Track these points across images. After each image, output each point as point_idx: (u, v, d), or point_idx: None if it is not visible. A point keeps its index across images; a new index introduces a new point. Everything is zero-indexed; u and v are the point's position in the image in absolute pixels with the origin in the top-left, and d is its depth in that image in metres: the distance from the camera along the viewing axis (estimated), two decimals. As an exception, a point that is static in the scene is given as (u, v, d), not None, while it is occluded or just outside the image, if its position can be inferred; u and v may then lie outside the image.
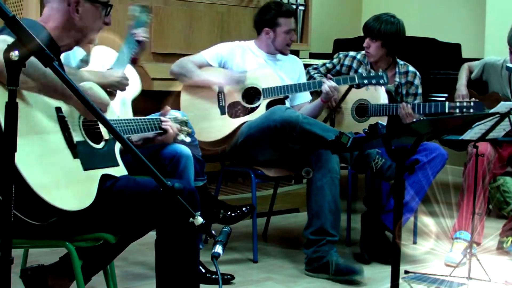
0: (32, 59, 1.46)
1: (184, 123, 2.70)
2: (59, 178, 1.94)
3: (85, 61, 3.12)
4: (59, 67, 1.55)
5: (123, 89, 2.84)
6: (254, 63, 3.66)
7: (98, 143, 2.19)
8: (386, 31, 3.72)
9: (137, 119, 2.41)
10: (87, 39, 2.30)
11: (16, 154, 1.66)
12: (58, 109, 2.04)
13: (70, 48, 2.32)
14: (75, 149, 2.03)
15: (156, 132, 2.53)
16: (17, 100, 1.60)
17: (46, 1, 2.24)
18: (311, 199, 3.28)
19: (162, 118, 2.53)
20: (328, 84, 3.49)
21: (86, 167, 2.06)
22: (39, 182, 1.84)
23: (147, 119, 2.47)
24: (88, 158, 2.07)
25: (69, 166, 2.00)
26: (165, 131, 2.53)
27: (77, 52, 2.99)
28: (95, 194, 2.05)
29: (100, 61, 2.96)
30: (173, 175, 2.85)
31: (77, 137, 2.07)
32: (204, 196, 3.25)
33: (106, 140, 2.21)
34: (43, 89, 1.93)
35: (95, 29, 2.28)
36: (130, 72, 3.01)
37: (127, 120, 2.36)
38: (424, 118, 3.59)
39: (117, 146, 2.26)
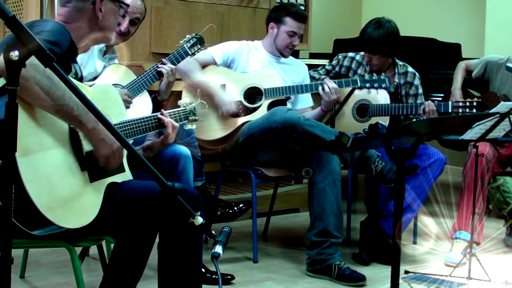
0: (56, 79, 1.46)
1: (192, 112, 2.65)
2: (65, 196, 1.95)
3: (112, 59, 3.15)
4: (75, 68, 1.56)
5: None
6: (258, 63, 3.66)
7: None
8: (383, 42, 3.67)
9: (132, 121, 2.35)
10: (105, 39, 2.32)
11: (25, 171, 1.73)
12: None
13: (86, 50, 2.32)
14: (83, 161, 2.03)
15: (155, 132, 2.49)
16: (30, 115, 1.61)
17: (66, 1, 2.23)
18: (313, 201, 3.27)
19: (159, 116, 2.44)
20: (329, 85, 3.49)
21: (93, 179, 2.06)
22: (46, 203, 1.85)
23: (142, 118, 2.40)
24: (96, 169, 2.07)
25: (76, 180, 2.00)
26: (163, 125, 2.43)
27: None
28: (99, 207, 2.05)
29: (111, 79, 2.95)
30: (172, 175, 2.85)
31: (87, 146, 2.06)
32: (202, 195, 3.25)
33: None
34: (60, 111, 1.92)
35: (113, 29, 2.31)
36: (145, 101, 3.00)
37: (123, 123, 2.31)
38: (423, 118, 3.59)
39: (124, 151, 2.23)
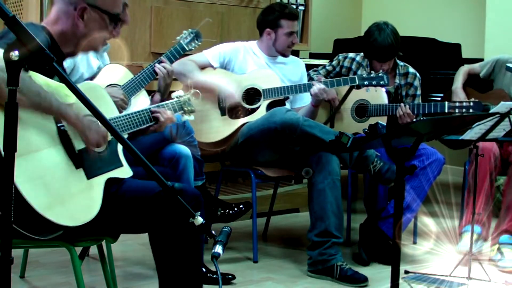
0: (26, 77, 1.43)
1: (187, 103, 2.64)
2: (63, 194, 1.93)
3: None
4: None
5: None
6: (254, 65, 3.65)
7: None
8: (397, 46, 3.69)
9: (126, 115, 2.33)
10: (90, 48, 2.24)
11: (16, 176, 1.61)
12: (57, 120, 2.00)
13: (74, 55, 2.28)
14: (77, 159, 2.01)
15: (148, 124, 2.45)
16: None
17: (55, 1, 2.18)
18: (314, 202, 3.27)
19: (153, 109, 2.44)
20: (317, 87, 3.49)
21: (90, 175, 2.04)
22: (43, 203, 1.83)
23: (136, 112, 2.38)
24: (91, 166, 2.05)
25: (72, 178, 1.99)
26: (156, 120, 2.44)
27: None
28: (100, 203, 2.04)
29: (109, 79, 2.94)
30: (173, 175, 2.85)
31: (79, 144, 2.04)
32: (203, 196, 3.25)
33: (108, 142, 2.17)
34: (38, 108, 1.88)
35: (99, 39, 2.22)
36: (143, 100, 2.99)
37: (117, 117, 2.29)
38: (423, 118, 3.60)
39: (120, 145, 2.23)
